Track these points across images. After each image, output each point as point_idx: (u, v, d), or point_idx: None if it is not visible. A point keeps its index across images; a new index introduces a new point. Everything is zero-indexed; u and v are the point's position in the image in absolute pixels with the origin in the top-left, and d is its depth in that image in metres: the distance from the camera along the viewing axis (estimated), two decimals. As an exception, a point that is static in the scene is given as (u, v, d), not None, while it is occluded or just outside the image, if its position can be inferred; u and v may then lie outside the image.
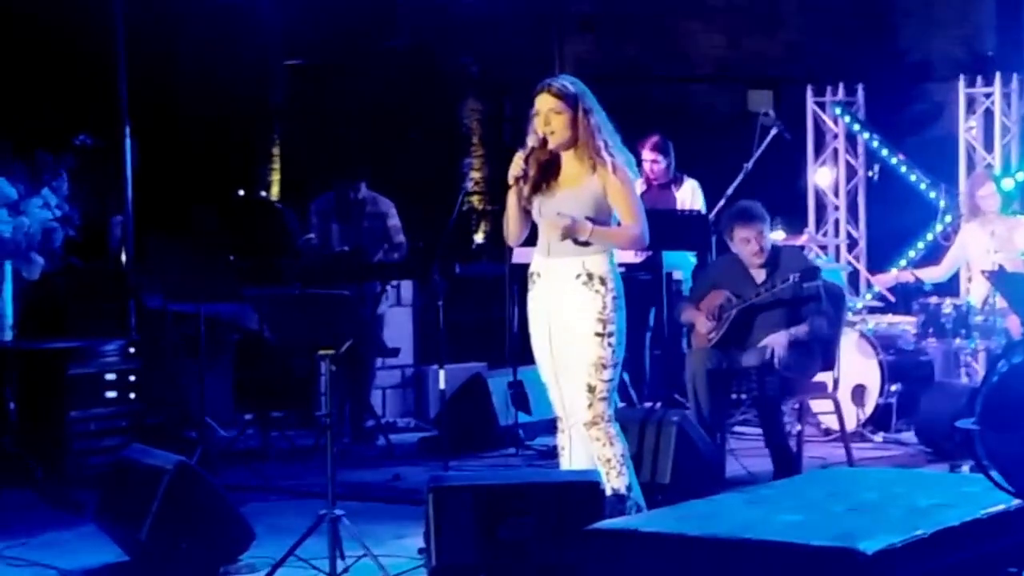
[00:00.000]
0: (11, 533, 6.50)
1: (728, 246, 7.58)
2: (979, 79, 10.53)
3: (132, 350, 8.00)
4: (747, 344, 7.35)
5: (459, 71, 13.53)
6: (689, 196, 9.07)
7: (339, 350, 5.59)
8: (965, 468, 7.03)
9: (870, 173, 10.81)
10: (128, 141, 8.39)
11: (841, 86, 10.90)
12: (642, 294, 8.06)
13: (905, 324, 9.11)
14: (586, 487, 5.18)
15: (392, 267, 9.12)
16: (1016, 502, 4.07)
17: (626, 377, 8.26)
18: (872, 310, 9.89)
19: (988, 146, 10.45)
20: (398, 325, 9.72)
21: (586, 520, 4.49)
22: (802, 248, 8.58)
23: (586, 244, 5.44)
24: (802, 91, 11.03)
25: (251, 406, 8.90)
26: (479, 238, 13.27)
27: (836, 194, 10.99)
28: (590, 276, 5.44)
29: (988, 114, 10.46)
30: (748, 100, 12.77)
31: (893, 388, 8.77)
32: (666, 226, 7.81)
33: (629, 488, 5.47)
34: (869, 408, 8.68)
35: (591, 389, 5.42)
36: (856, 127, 10.83)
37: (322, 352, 5.62)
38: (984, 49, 12.18)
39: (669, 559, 3.94)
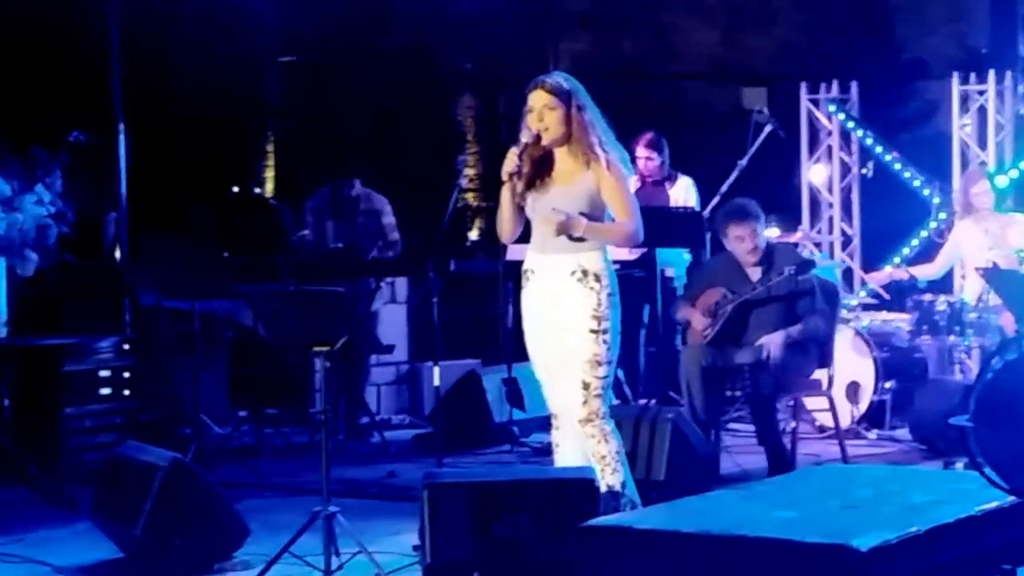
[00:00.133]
0: (6, 530, 6.50)
1: (723, 244, 7.59)
2: (973, 76, 10.53)
3: (127, 347, 8.00)
4: (742, 341, 7.35)
5: (454, 68, 13.52)
6: (683, 194, 9.07)
7: (334, 347, 5.59)
8: (959, 465, 7.04)
9: (864, 170, 10.81)
10: (122, 138, 8.38)
11: (835, 83, 10.91)
12: (636, 291, 8.06)
13: (899, 321, 9.12)
14: (581, 484, 5.18)
15: (387, 264, 9.12)
16: (1010, 499, 4.08)
17: (621, 374, 8.27)
18: (866, 307, 9.90)
19: (982, 143, 10.46)
20: (393, 322, 9.73)
21: (581, 517, 4.50)
22: (796, 246, 8.59)
23: (580, 240, 5.44)
24: (796, 88, 11.03)
25: (246, 403, 8.90)
26: (474, 235, 13.27)
27: (830, 191, 11.00)
28: (585, 273, 5.44)
29: (982, 111, 10.47)
30: (742, 97, 12.76)
31: (887, 385, 8.78)
32: (660, 223, 7.82)
33: (624, 485, 5.47)
34: (863, 405, 8.69)
35: (586, 386, 5.43)
36: (850, 124, 10.83)
37: (317, 349, 5.62)
38: (978, 47, 12.18)
39: (664, 556, 3.94)
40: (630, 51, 13.40)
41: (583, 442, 5.50)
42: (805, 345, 7.32)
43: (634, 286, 7.89)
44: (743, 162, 9.18)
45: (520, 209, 5.56)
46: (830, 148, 10.98)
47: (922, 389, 8.41)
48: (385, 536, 6.07)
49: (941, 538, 3.89)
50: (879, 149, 10.72)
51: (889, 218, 10.71)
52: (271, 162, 13.42)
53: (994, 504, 4.10)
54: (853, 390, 8.67)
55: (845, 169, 10.98)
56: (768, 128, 9.30)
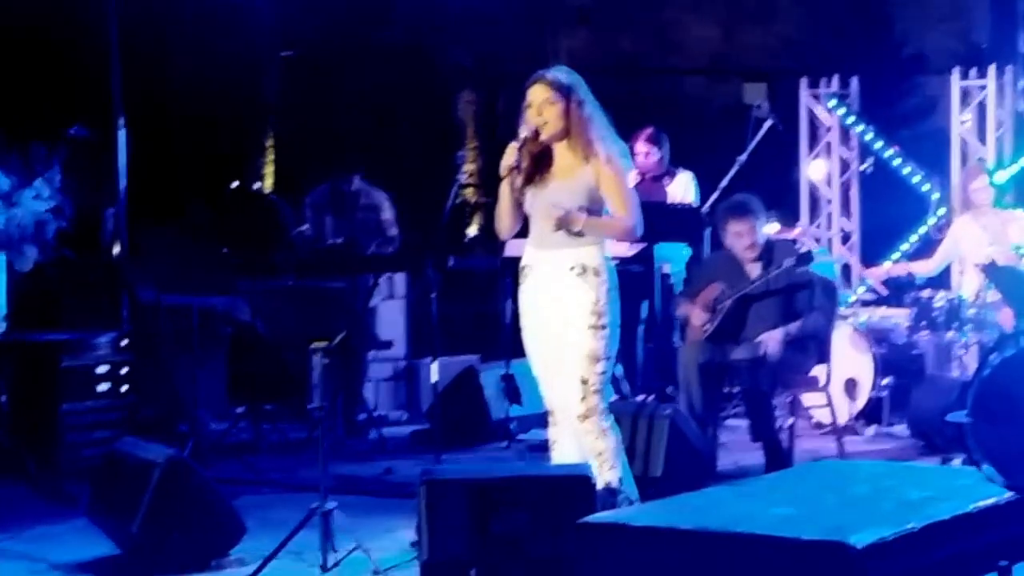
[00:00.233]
0: (3, 526, 6.50)
1: (723, 240, 7.58)
2: (973, 72, 10.52)
3: (125, 343, 7.99)
4: (741, 337, 7.35)
5: (453, 64, 13.53)
6: (682, 189, 9.05)
7: (332, 343, 5.59)
8: (957, 461, 7.04)
9: (864, 166, 10.80)
10: (121, 133, 8.37)
11: (835, 79, 10.90)
12: (634, 287, 8.04)
13: (897, 317, 9.12)
14: (578, 480, 5.18)
15: (385, 260, 9.11)
16: (1007, 495, 4.07)
17: (619, 370, 8.26)
18: (865, 303, 9.90)
19: (982, 139, 10.45)
20: (391, 318, 9.73)
21: (578, 513, 4.49)
22: (795, 241, 8.59)
23: (579, 235, 5.43)
24: (796, 84, 11.02)
25: (243, 399, 8.90)
26: (473, 231, 13.27)
27: (830, 187, 10.99)
28: (584, 268, 5.44)
29: (982, 107, 10.46)
30: (742, 93, 12.76)
31: (885, 382, 8.78)
32: (659, 219, 7.81)
33: (621, 481, 5.47)
34: (861, 401, 8.69)
35: (584, 382, 5.42)
36: (850, 120, 10.82)
37: (315, 345, 5.61)
38: (978, 42, 12.18)
39: (661, 552, 3.94)
40: (629, 47, 13.41)
41: (581, 438, 5.49)
42: (804, 342, 7.31)
43: (632, 282, 7.86)
44: (742, 157, 9.17)
45: (519, 204, 5.55)
46: (829, 144, 10.97)
47: (920, 385, 8.40)
48: (382, 532, 6.07)
49: (938, 534, 3.88)
50: (879, 145, 10.71)
51: (888, 214, 10.71)
52: (270, 158, 13.43)
53: (991, 500, 4.09)
54: (851, 386, 8.66)
55: (844, 165, 10.97)
56: (768, 123, 9.30)
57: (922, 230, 10.28)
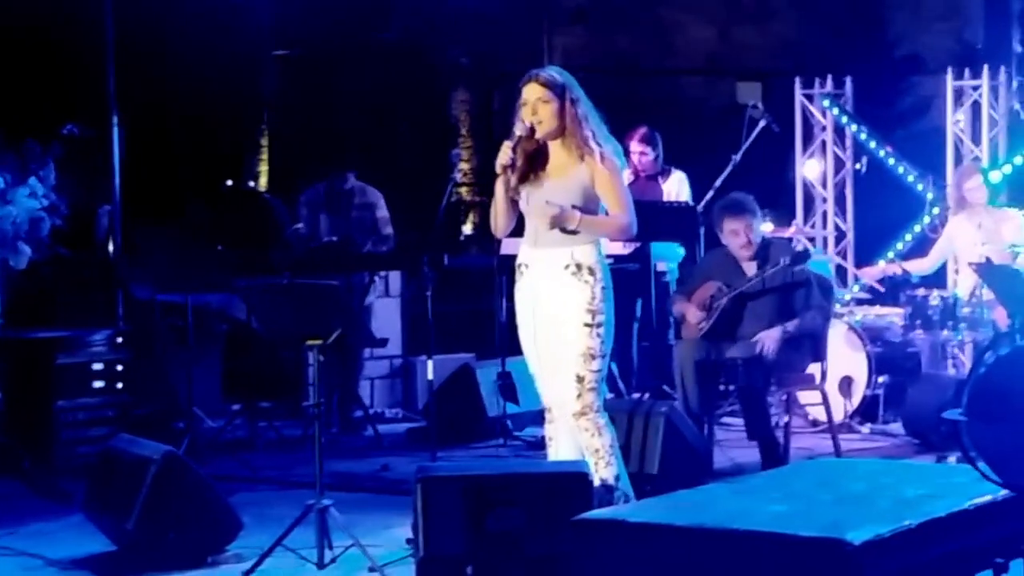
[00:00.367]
0: (-2, 523, 6.50)
1: (719, 239, 7.59)
2: (967, 72, 10.54)
3: (120, 340, 7.99)
4: (737, 335, 7.36)
5: (449, 63, 13.53)
6: (675, 187, 9.07)
7: (327, 340, 5.59)
8: (952, 459, 7.05)
9: (858, 165, 10.82)
10: (116, 131, 8.37)
11: (830, 78, 10.91)
12: (629, 285, 8.06)
13: (893, 316, 9.13)
14: (574, 477, 5.18)
15: (381, 258, 9.11)
16: (1003, 493, 4.08)
17: (614, 368, 8.27)
18: (860, 302, 9.91)
19: (976, 139, 10.46)
20: (386, 316, 9.73)
21: (574, 510, 4.49)
22: (790, 240, 8.60)
23: (574, 233, 5.44)
24: (791, 83, 11.04)
25: (239, 396, 8.90)
26: (468, 229, 13.28)
27: (824, 186, 11.00)
28: (579, 266, 5.44)
29: (976, 107, 10.48)
30: (737, 92, 12.77)
31: (880, 380, 8.79)
32: (654, 217, 7.82)
33: (617, 478, 5.47)
34: (856, 399, 8.70)
35: (580, 379, 5.43)
36: (844, 119, 10.83)
37: (310, 342, 5.62)
38: (972, 42, 12.20)
39: (657, 549, 3.94)
40: (625, 46, 13.41)
41: (577, 436, 5.50)
42: (800, 340, 7.32)
43: (626, 280, 7.89)
44: (737, 157, 9.19)
45: (514, 203, 5.56)
46: (824, 143, 10.98)
47: (915, 383, 8.42)
48: (378, 529, 6.07)
49: (934, 532, 3.88)
50: (873, 144, 10.72)
51: (883, 213, 10.73)
52: (265, 156, 13.43)
53: (987, 498, 4.09)
54: (846, 384, 8.67)
55: (839, 164, 10.99)
56: (762, 123, 9.31)
57: (916, 229, 10.29)
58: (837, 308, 8.76)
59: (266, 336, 7.62)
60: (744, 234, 7.39)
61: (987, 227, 8.57)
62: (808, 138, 11.03)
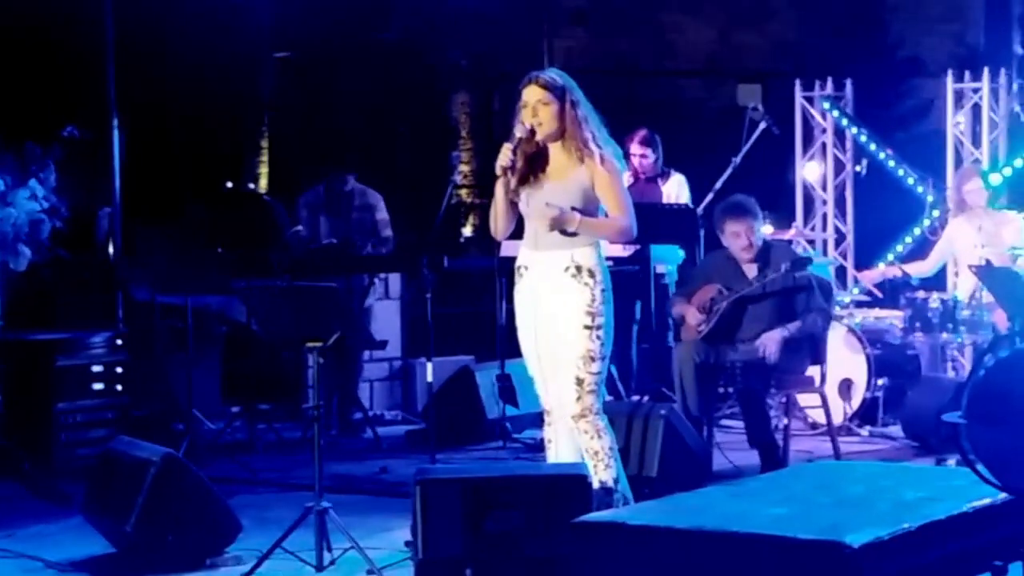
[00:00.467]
0: (-2, 524, 6.50)
1: (718, 241, 7.59)
2: (967, 74, 10.54)
3: (119, 342, 7.99)
4: (737, 338, 7.36)
5: (449, 64, 13.52)
6: (675, 190, 9.07)
7: (327, 343, 5.59)
8: (951, 462, 7.05)
9: (858, 168, 10.81)
10: (116, 133, 8.37)
11: (830, 81, 10.91)
12: (628, 287, 8.06)
13: (892, 318, 9.13)
14: (573, 480, 5.18)
15: (380, 260, 9.11)
16: (1002, 496, 4.08)
17: (614, 371, 8.27)
18: (859, 304, 9.91)
19: (976, 141, 10.47)
20: (386, 318, 9.72)
21: (573, 513, 4.49)
22: (789, 243, 8.60)
23: (574, 235, 5.44)
24: (791, 86, 11.04)
25: (238, 398, 8.89)
26: (467, 231, 13.27)
27: (824, 189, 11.00)
28: (579, 269, 5.44)
29: (976, 109, 10.48)
30: (737, 94, 12.77)
31: (880, 382, 8.79)
32: (654, 219, 7.82)
33: (616, 481, 5.47)
34: (856, 402, 8.70)
35: (580, 382, 5.43)
36: (844, 122, 10.84)
37: (310, 345, 5.62)
38: (973, 45, 12.20)
39: (656, 552, 3.94)
40: (625, 48, 13.41)
41: (576, 438, 5.50)
42: (799, 343, 7.32)
43: (625, 282, 7.90)
44: (737, 159, 9.19)
45: (513, 205, 5.56)
46: (824, 145, 10.98)
47: (915, 386, 8.42)
48: (377, 532, 6.07)
49: (933, 534, 3.89)
50: (873, 146, 10.72)
51: (883, 215, 10.72)
52: (265, 158, 13.42)
53: (986, 501, 4.10)
54: (846, 387, 8.67)
55: (839, 166, 10.99)
56: (762, 125, 9.31)
57: (916, 232, 10.29)
58: (837, 311, 8.75)
59: (266, 338, 7.62)
60: (746, 236, 7.39)
61: (987, 230, 8.57)
62: (808, 140, 11.03)
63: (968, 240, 8.64)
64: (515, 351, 5.81)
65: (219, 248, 8.47)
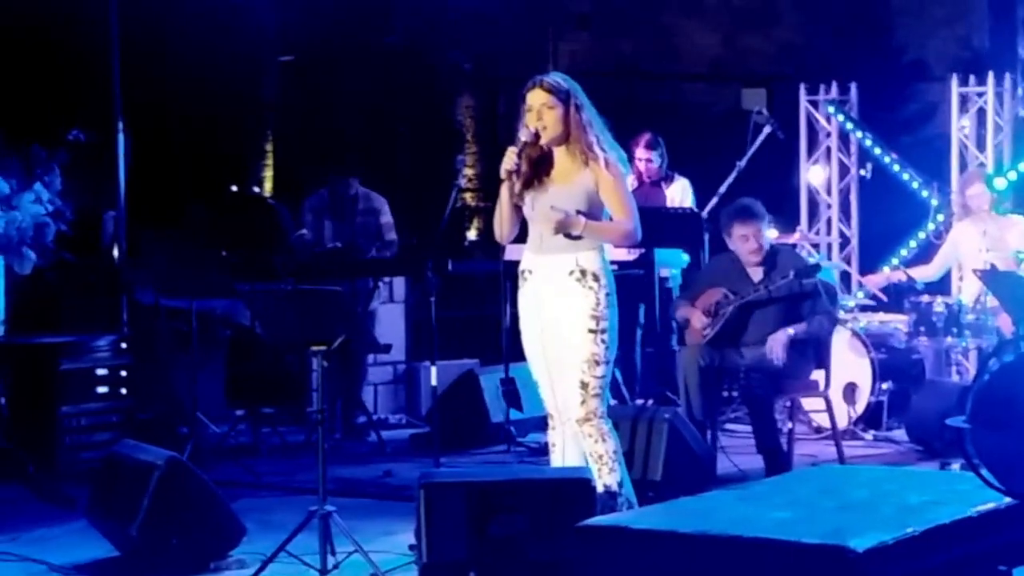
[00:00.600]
0: (2, 528, 6.50)
1: (724, 245, 7.59)
2: (972, 78, 10.54)
3: (124, 345, 8.00)
4: (741, 342, 7.36)
5: (453, 68, 13.52)
6: (679, 194, 9.08)
7: (331, 346, 5.59)
8: (955, 466, 7.04)
9: (863, 172, 10.81)
10: (121, 136, 8.37)
11: (834, 85, 10.91)
12: (632, 291, 8.06)
13: (897, 323, 9.12)
14: (577, 484, 5.18)
15: (385, 263, 9.12)
16: (1006, 500, 4.08)
17: (618, 374, 8.27)
18: (864, 308, 9.90)
19: (981, 145, 10.46)
20: (390, 321, 9.73)
21: (577, 517, 4.49)
22: (794, 246, 8.60)
23: (578, 239, 5.44)
24: (795, 89, 11.03)
25: (243, 402, 8.89)
26: (472, 235, 13.27)
27: (829, 193, 11.00)
28: (583, 272, 5.44)
29: (981, 113, 10.48)
30: (742, 98, 12.76)
31: (884, 386, 8.78)
32: (659, 223, 7.83)
33: (621, 485, 5.47)
34: (860, 406, 8.69)
35: (584, 386, 5.43)
36: (849, 126, 10.83)
37: (314, 348, 5.61)
38: (978, 48, 12.19)
39: (660, 556, 3.94)
40: (629, 51, 13.40)
41: (580, 442, 5.50)
42: (804, 347, 7.31)
43: (629, 286, 7.89)
44: (742, 163, 9.18)
45: (518, 208, 5.56)
46: (829, 149, 10.98)
47: (919, 390, 8.41)
48: (381, 536, 6.07)
49: (937, 539, 3.89)
50: (878, 150, 10.72)
51: (887, 219, 10.72)
52: (269, 161, 13.42)
53: (990, 505, 4.09)
54: (850, 391, 8.66)
55: (844, 170, 10.98)
56: (767, 129, 9.31)
57: (921, 236, 10.28)
58: (841, 315, 8.75)
59: (270, 342, 7.62)
60: (754, 239, 7.39)
61: (992, 234, 8.56)
62: (813, 144, 11.03)
63: (973, 244, 8.64)
64: (519, 355, 5.81)
65: (223, 251, 8.47)
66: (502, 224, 5.59)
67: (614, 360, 5.56)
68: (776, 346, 7.15)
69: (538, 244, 5.54)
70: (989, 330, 8.27)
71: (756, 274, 7.44)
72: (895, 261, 10.22)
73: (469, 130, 13.50)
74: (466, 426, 8.49)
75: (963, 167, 10.37)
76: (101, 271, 9.10)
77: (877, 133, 10.82)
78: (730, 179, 9.18)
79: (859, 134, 10.82)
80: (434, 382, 7.28)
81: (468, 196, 13.26)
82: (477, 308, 10.38)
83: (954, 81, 10.57)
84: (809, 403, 8.18)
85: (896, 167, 10.63)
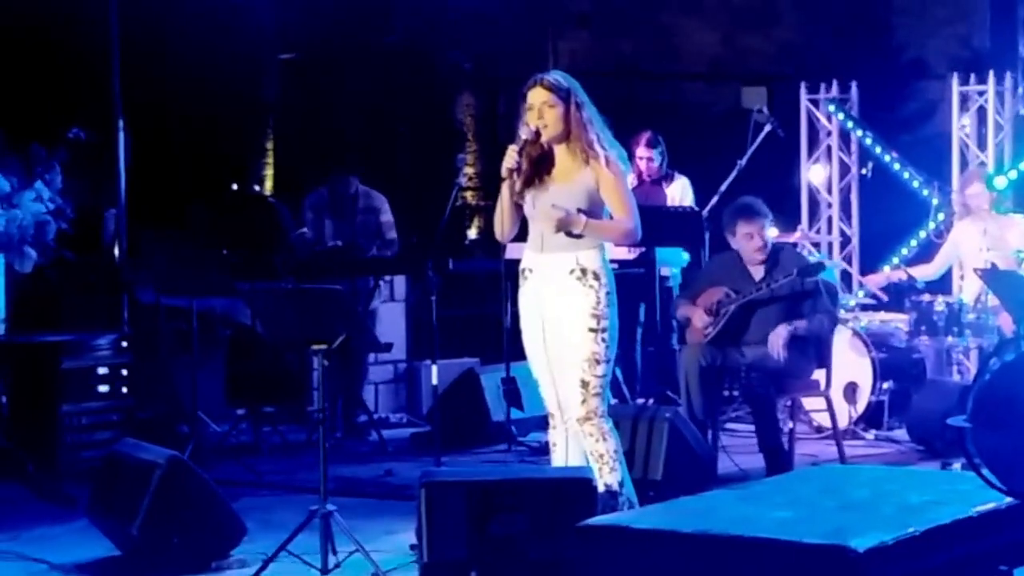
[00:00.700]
0: (3, 527, 6.50)
1: (723, 244, 7.59)
2: (973, 77, 10.53)
3: (124, 344, 7.99)
4: (743, 341, 7.35)
5: (453, 67, 13.51)
6: (679, 193, 9.08)
7: (332, 345, 5.59)
8: (956, 466, 7.04)
9: (863, 171, 10.80)
10: (121, 135, 8.37)
11: (835, 83, 10.90)
12: (633, 290, 8.06)
13: (897, 322, 9.12)
14: (578, 483, 5.18)
15: (385, 262, 9.12)
16: (1007, 500, 4.08)
17: (618, 373, 8.27)
18: (864, 307, 9.90)
19: (981, 144, 10.46)
20: (391, 320, 9.73)
21: (578, 516, 4.49)
22: (795, 246, 8.59)
23: (579, 238, 5.44)
24: (796, 88, 11.03)
25: (243, 401, 8.90)
26: (472, 234, 13.26)
27: (829, 191, 10.99)
28: (584, 271, 5.44)
29: (981, 112, 10.48)
30: (742, 97, 12.75)
31: (885, 386, 8.78)
32: (659, 222, 7.82)
33: (621, 484, 5.47)
34: (861, 406, 8.69)
35: (585, 385, 5.43)
36: (850, 124, 10.83)
37: (315, 347, 5.61)
38: (978, 47, 12.19)
39: (661, 555, 3.94)
40: (629, 51, 13.40)
41: (581, 441, 5.49)
42: (805, 346, 7.31)
43: (630, 285, 7.89)
44: (742, 162, 9.18)
45: (518, 207, 5.56)
46: (829, 148, 10.98)
47: (920, 390, 8.41)
48: (382, 535, 6.07)
49: (938, 539, 3.89)
50: (878, 149, 10.71)
51: (888, 218, 10.71)
52: (270, 160, 13.42)
53: (991, 505, 4.09)
54: (851, 390, 8.66)
55: (844, 169, 10.98)
56: (767, 128, 9.30)
57: (922, 235, 10.28)
58: (842, 314, 8.75)
59: (270, 340, 7.62)
60: (759, 237, 7.41)
61: (992, 233, 8.56)
62: (813, 143, 11.03)
63: (973, 243, 8.63)
64: (520, 354, 5.81)
65: (224, 250, 8.47)
66: (503, 223, 5.59)
67: (614, 359, 5.56)
68: (777, 341, 7.15)
69: (539, 243, 5.54)
70: (990, 329, 8.27)
71: (758, 273, 7.44)
72: (896, 260, 10.21)
73: (469, 129, 13.50)
74: (467, 425, 8.48)
75: (964, 166, 10.37)
76: (102, 270, 9.10)
77: (878, 132, 10.81)
78: (730, 178, 9.17)
79: (859, 133, 10.82)
80: (435, 381, 7.28)
81: (469, 195, 13.26)
82: (478, 307, 10.39)
83: (955, 80, 10.56)
84: (810, 403, 8.18)
85: (897, 166, 10.62)
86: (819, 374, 7.50)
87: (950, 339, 8.48)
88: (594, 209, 5.49)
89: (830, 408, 7.58)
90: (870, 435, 8.65)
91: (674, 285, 8.84)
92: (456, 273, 9.64)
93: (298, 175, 11.65)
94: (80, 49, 9.97)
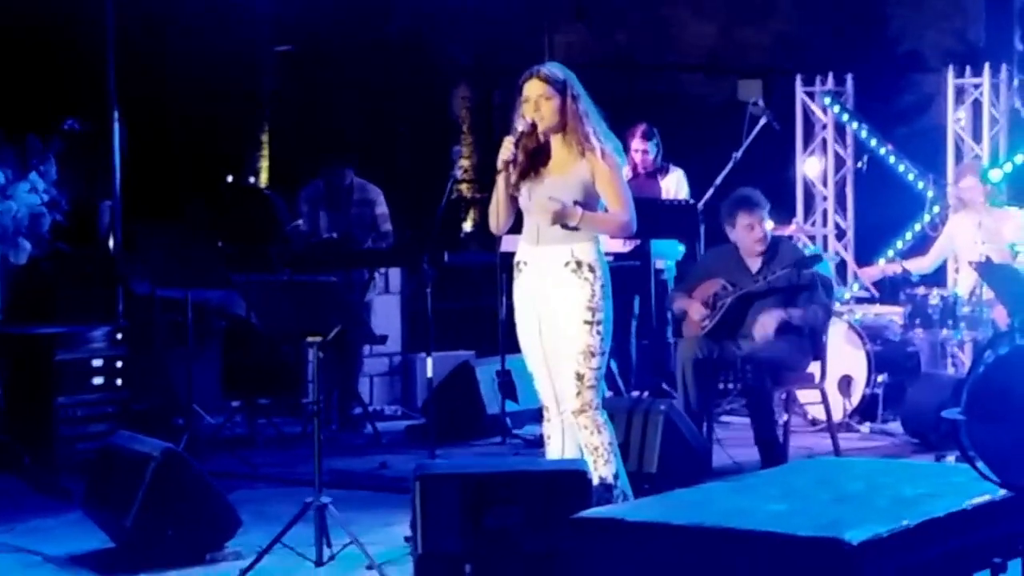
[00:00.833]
0: (-3, 519, 6.50)
1: (719, 236, 7.58)
2: (968, 70, 10.54)
3: (119, 336, 7.98)
4: (739, 333, 7.36)
5: (449, 59, 13.52)
6: (674, 185, 9.08)
7: (327, 337, 5.59)
8: (951, 458, 7.05)
9: (859, 163, 10.80)
10: (117, 126, 8.36)
11: (831, 76, 10.89)
12: (628, 283, 8.06)
13: (892, 315, 9.13)
14: (573, 476, 5.18)
15: (380, 254, 9.11)
16: (1001, 492, 4.08)
17: (613, 366, 8.27)
18: (859, 300, 9.91)
19: (977, 137, 10.46)
20: (386, 313, 9.72)
21: (573, 509, 4.49)
22: (790, 238, 8.60)
23: (574, 230, 5.44)
24: (792, 81, 11.03)
25: (238, 393, 8.89)
26: (468, 226, 13.27)
27: (825, 184, 10.99)
28: (579, 264, 5.44)
29: (977, 105, 10.47)
30: (738, 90, 12.76)
31: (880, 379, 8.79)
32: (655, 215, 7.82)
33: (616, 477, 5.47)
34: (856, 398, 8.70)
35: (580, 377, 5.42)
36: (845, 117, 10.82)
37: (310, 339, 5.61)
38: (974, 40, 12.19)
39: (655, 548, 3.94)
40: (625, 43, 13.41)
41: (576, 433, 5.50)
42: (800, 339, 7.31)
43: (625, 277, 7.89)
44: (738, 154, 9.19)
45: (513, 199, 5.56)
46: (825, 141, 10.97)
47: (914, 383, 8.41)
48: (377, 527, 6.07)
49: (932, 531, 3.88)
50: (874, 142, 10.71)
51: (883, 211, 10.72)
52: (265, 152, 13.42)
53: (985, 497, 4.09)
54: (845, 383, 8.67)
55: (840, 162, 10.98)
56: (763, 120, 9.31)
57: (917, 228, 10.29)
58: (837, 307, 8.75)
59: (265, 333, 7.62)
60: (760, 228, 7.41)
61: (987, 226, 8.57)
62: (809, 136, 11.02)
63: (968, 236, 8.64)
64: (515, 346, 5.81)
65: (219, 242, 8.47)
66: (498, 215, 5.58)
67: (609, 352, 5.56)
68: (769, 323, 7.14)
69: (534, 235, 5.53)
70: (984, 322, 8.28)
71: (754, 265, 7.44)
72: (891, 253, 10.22)
73: (465, 121, 13.50)
74: (462, 418, 8.48)
75: (959, 159, 10.37)
76: (97, 261, 9.10)
77: (873, 124, 10.81)
78: (726, 170, 9.18)
79: (855, 125, 10.82)
80: (430, 373, 7.29)
81: (464, 187, 13.27)
82: (473, 299, 10.39)
83: (950, 73, 10.56)
84: (805, 395, 8.18)
85: (892, 159, 10.62)
86: (814, 367, 7.50)
87: (945, 332, 8.49)
88: (590, 202, 5.49)
89: (825, 401, 7.59)
90: (865, 428, 8.66)
91: (669, 278, 8.84)
92: (451, 265, 9.65)
93: (294, 167, 11.66)
94: (76, 41, 9.96)
